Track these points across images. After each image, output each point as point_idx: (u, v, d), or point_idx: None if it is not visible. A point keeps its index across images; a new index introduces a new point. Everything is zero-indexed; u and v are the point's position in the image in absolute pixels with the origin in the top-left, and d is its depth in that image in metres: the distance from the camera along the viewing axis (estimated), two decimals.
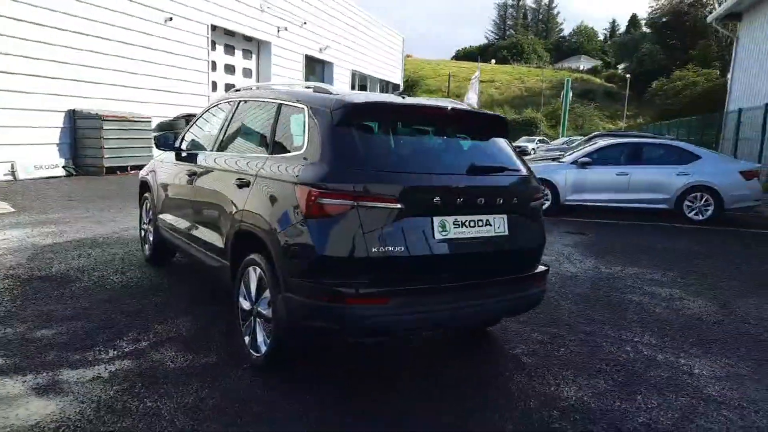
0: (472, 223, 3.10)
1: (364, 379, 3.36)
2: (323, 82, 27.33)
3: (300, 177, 2.97)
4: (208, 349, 3.62)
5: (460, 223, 3.06)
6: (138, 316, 4.17)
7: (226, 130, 4.17)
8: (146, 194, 5.59)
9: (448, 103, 3.52)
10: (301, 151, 3.13)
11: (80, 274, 5.13)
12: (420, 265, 2.96)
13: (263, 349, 3.24)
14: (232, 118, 4.16)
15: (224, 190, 3.74)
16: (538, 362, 3.69)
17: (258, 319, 3.31)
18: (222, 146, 4.15)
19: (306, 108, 3.27)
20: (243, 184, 3.48)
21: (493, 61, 72.87)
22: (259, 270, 3.27)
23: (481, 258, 3.18)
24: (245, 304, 3.47)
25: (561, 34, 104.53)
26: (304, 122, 3.22)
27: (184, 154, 4.70)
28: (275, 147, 3.46)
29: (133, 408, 2.85)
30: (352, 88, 29.75)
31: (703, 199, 10.05)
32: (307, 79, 24.97)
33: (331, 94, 3.31)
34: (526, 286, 3.36)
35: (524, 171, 3.47)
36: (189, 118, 16.61)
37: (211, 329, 3.95)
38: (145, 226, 5.67)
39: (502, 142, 3.54)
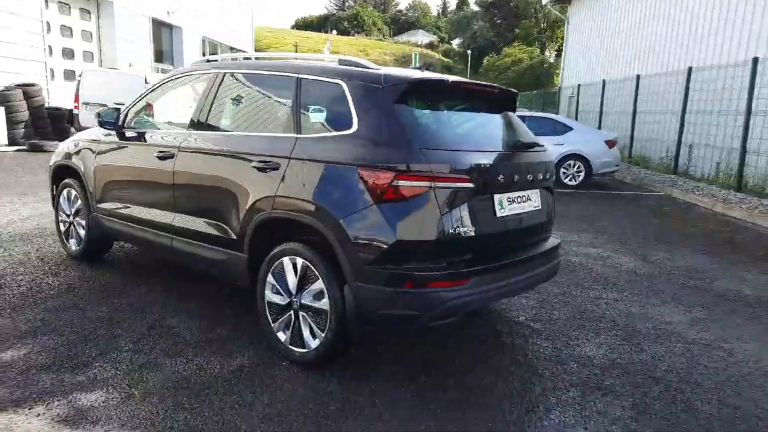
0: (519, 199, 3.18)
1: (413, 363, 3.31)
2: (171, 48, 25.30)
3: (366, 158, 2.78)
4: (231, 350, 3.29)
5: (511, 199, 3.12)
6: (116, 321, 3.62)
7: (211, 107, 3.69)
8: (68, 181, 4.78)
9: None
10: (351, 131, 2.92)
11: (2, 280, 4.26)
12: (486, 243, 2.97)
13: (312, 343, 3.03)
14: (217, 93, 3.70)
15: (234, 175, 3.35)
16: (546, 327, 3.92)
17: (303, 313, 3.06)
18: (207, 125, 3.68)
19: (344, 84, 3.04)
20: (268, 168, 3.15)
21: (335, 32, 72.76)
22: (301, 260, 3.02)
23: (527, 232, 3.28)
24: (276, 298, 3.20)
25: (398, 8, 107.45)
26: (347, 99, 3.00)
27: (144, 134, 4.09)
28: (304, 126, 3.16)
29: (207, 425, 2.52)
30: (203, 56, 27.78)
31: (576, 167, 11.26)
32: (155, 45, 22.78)
33: (369, 68, 3.12)
34: (555, 256, 3.54)
35: (545, 146, 3.62)
36: (26, 89, 14.35)
37: (217, 328, 3.58)
38: (68, 219, 4.85)
39: (518, 118, 3.63)
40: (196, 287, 4.28)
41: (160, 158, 3.82)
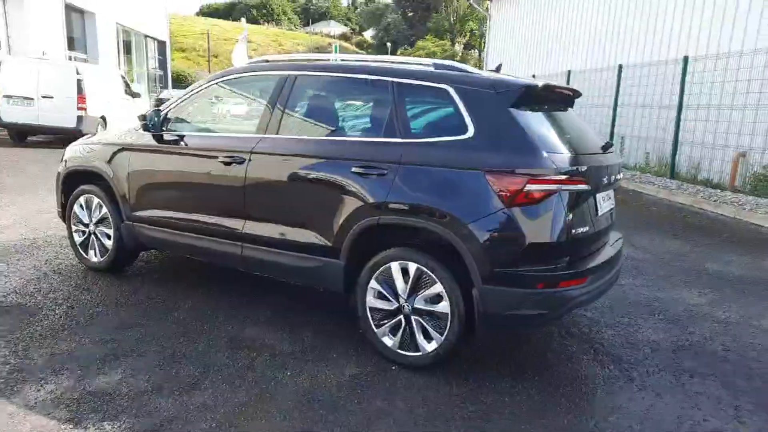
0: (607, 198, 3.39)
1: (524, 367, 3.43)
2: (84, 36, 23.44)
3: (494, 164, 2.85)
4: (334, 358, 3.26)
5: (604, 198, 3.32)
6: (191, 336, 3.45)
7: (285, 110, 3.57)
8: (87, 188, 4.43)
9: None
10: (467, 136, 2.97)
11: (32, 298, 3.89)
12: (592, 242, 3.15)
13: (428, 347, 3.07)
14: (291, 96, 3.58)
15: (328, 181, 3.29)
16: (597, 315, 4.18)
17: (416, 317, 3.09)
18: (284, 129, 3.55)
19: (451, 88, 3.08)
20: (373, 174, 3.12)
21: (243, 19, 70.50)
22: (414, 265, 3.05)
23: (608, 230, 3.49)
24: (380, 304, 3.21)
25: None
26: (457, 104, 3.04)
27: (195, 137, 3.89)
28: (408, 131, 3.16)
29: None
30: (118, 45, 26.00)
31: None
32: (67, 32, 21.00)
33: (472, 72, 3.18)
34: (621, 253, 3.78)
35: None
36: None
37: (303, 336, 3.51)
38: (86, 229, 4.49)
39: None
40: (249, 294, 4.15)
41: (226, 163, 3.64)
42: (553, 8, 19.38)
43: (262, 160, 3.54)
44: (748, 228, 7.69)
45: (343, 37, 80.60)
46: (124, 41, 27.25)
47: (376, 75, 3.35)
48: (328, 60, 3.67)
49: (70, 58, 19.69)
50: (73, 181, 4.57)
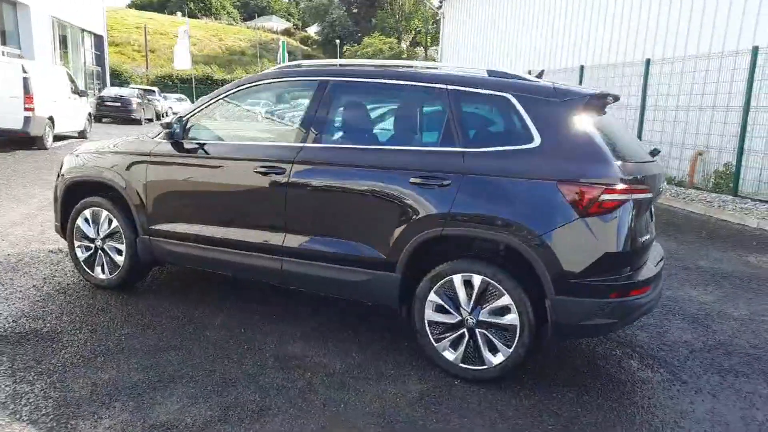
0: (654, 206, 3.44)
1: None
2: (17, 29, 21.91)
3: (567, 173, 2.83)
4: (392, 374, 3.17)
5: (654, 206, 3.37)
6: (235, 357, 3.27)
7: (327, 118, 3.43)
8: (93, 200, 4.12)
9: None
10: (534, 145, 2.94)
11: (45, 322, 3.58)
12: (648, 250, 3.18)
13: (494, 360, 3.03)
14: (332, 103, 3.44)
15: (382, 192, 3.17)
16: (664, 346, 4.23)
17: (480, 330, 3.04)
18: (328, 138, 3.43)
19: (513, 97, 3.04)
20: (434, 184, 3.04)
21: (179, 13, 68.08)
22: (479, 277, 3.00)
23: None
24: (439, 317, 3.14)
25: None
26: (520, 113, 3.01)
27: (222, 146, 3.68)
28: (468, 140, 3.10)
29: None
30: (54, 39, 24.48)
31: None
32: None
33: (530, 80, 3.15)
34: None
35: None
36: None
37: (351, 352, 3.39)
38: (92, 244, 4.17)
39: None
40: (274, 310, 3.98)
41: (263, 174, 3.46)
42: (508, 8, 19.76)
43: (305, 171, 3.38)
44: (720, 224, 8.09)
45: (287, 32, 79.39)
46: (59, 35, 25.73)
47: (431, 82, 3.26)
48: (374, 66, 3.54)
49: (1, 53, 18.36)
50: (74, 194, 4.24)
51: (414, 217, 3.10)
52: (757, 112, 9.18)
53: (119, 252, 4.10)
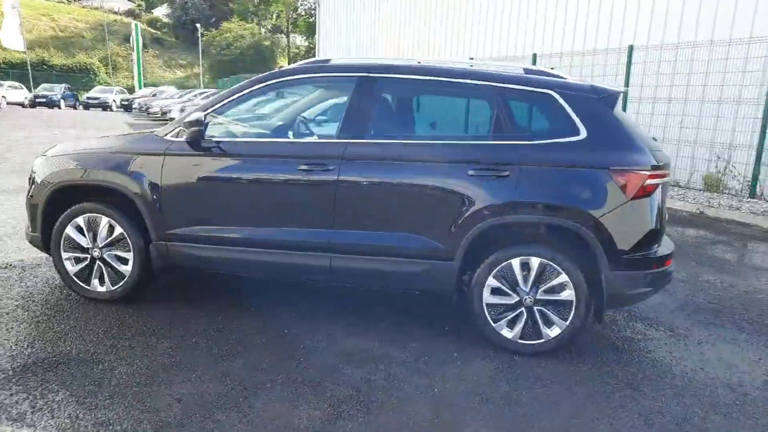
0: None
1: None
2: None
3: (616, 162, 3.19)
4: (457, 357, 3.36)
5: None
6: (300, 359, 3.25)
7: (372, 114, 3.47)
8: (88, 205, 3.74)
9: None
10: (581, 137, 3.27)
11: (72, 345, 3.22)
12: None
13: (551, 333, 3.34)
14: (376, 100, 3.48)
15: (440, 184, 3.32)
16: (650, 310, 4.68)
17: (538, 308, 3.33)
18: (377, 134, 3.46)
19: (557, 94, 3.35)
20: (493, 175, 3.26)
21: None
22: (537, 259, 3.29)
23: None
24: (496, 299, 3.40)
25: None
26: (564, 108, 3.32)
27: (253, 143, 3.54)
28: (521, 133, 3.34)
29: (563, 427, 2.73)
30: None
31: None
32: None
33: (565, 78, 3.47)
34: None
35: None
36: None
37: (407, 343, 3.51)
38: (88, 254, 3.78)
39: None
40: (297, 307, 3.97)
41: (306, 171, 3.42)
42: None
43: (356, 167, 3.41)
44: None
45: (131, 14, 73.22)
46: None
47: (479, 80, 3.45)
48: (418, 63, 3.62)
49: None
50: (59, 201, 3.78)
51: (475, 207, 3.29)
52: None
53: (123, 261, 3.76)
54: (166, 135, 3.67)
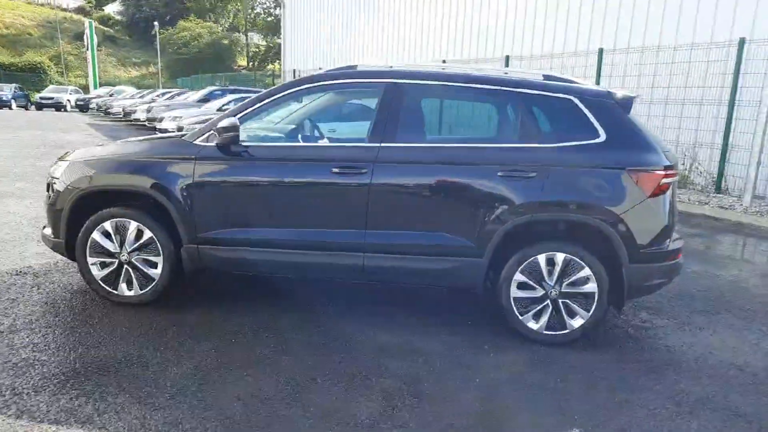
0: None
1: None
2: None
3: (635, 162, 3.43)
4: (498, 350, 3.54)
5: None
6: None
7: (399, 119, 3.60)
8: (115, 210, 3.75)
9: None
10: (601, 140, 3.50)
11: (120, 347, 3.24)
12: None
13: (575, 323, 3.56)
14: (403, 105, 3.61)
15: (470, 185, 3.49)
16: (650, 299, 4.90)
17: (563, 300, 3.54)
18: (408, 137, 3.60)
19: (576, 99, 3.57)
20: (521, 177, 3.45)
21: None
22: (562, 255, 3.50)
23: None
24: (523, 293, 3.59)
25: None
26: (583, 112, 3.54)
27: (284, 147, 3.63)
28: (545, 136, 3.54)
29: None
30: None
31: None
32: None
33: (581, 83, 3.70)
34: None
35: None
36: None
37: (432, 332, 3.66)
38: (116, 258, 3.79)
39: None
40: (318, 306, 4.09)
41: (339, 173, 3.53)
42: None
43: (389, 169, 3.54)
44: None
45: (80, 10, 70.78)
46: None
47: (504, 86, 3.64)
48: (443, 68, 3.78)
49: None
50: (85, 206, 3.78)
51: (504, 206, 3.47)
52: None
53: (152, 265, 3.78)
54: (195, 140, 3.71)
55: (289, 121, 4.06)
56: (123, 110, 22.28)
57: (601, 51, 11.02)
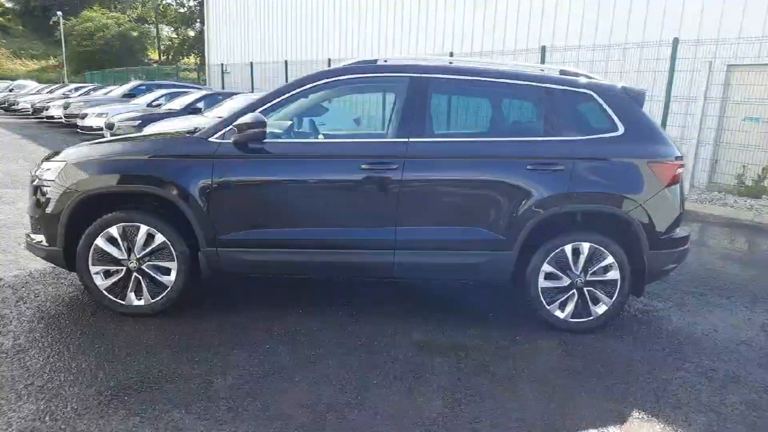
0: None
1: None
2: None
3: (653, 154, 3.60)
4: (529, 340, 3.61)
5: None
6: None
7: (426, 113, 3.55)
8: (121, 215, 3.44)
9: None
10: (620, 132, 3.64)
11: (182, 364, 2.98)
12: None
13: (599, 311, 3.69)
14: (429, 100, 3.56)
15: (501, 179, 3.51)
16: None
17: (588, 288, 3.66)
18: (433, 132, 3.56)
19: (595, 93, 3.68)
20: (550, 169, 3.51)
21: None
22: (588, 244, 3.61)
23: None
24: (549, 283, 3.67)
25: None
26: (602, 106, 3.67)
27: (306, 144, 3.49)
28: (569, 130, 3.61)
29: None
30: None
31: None
32: None
33: (595, 78, 3.82)
34: None
35: None
36: None
37: (460, 325, 3.68)
38: (123, 266, 3.48)
39: None
40: (338, 305, 3.99)
41: (369, 169, 3.44)
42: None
43: (420, 164, 3.50)
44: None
45: None
46: None
47: (527, 81, 3.69)
48: (467, 64, 3.76)
49: None
50: (86, 210, 3.44)
51: (533, 199, 3.53)
52: None
53: (164, 271, 3.52)
54: (211, 137, 3.48)
55: (305, 117, 3.91)
56: (32, 106, 20.47)
57: (543, 48, 11.47)
